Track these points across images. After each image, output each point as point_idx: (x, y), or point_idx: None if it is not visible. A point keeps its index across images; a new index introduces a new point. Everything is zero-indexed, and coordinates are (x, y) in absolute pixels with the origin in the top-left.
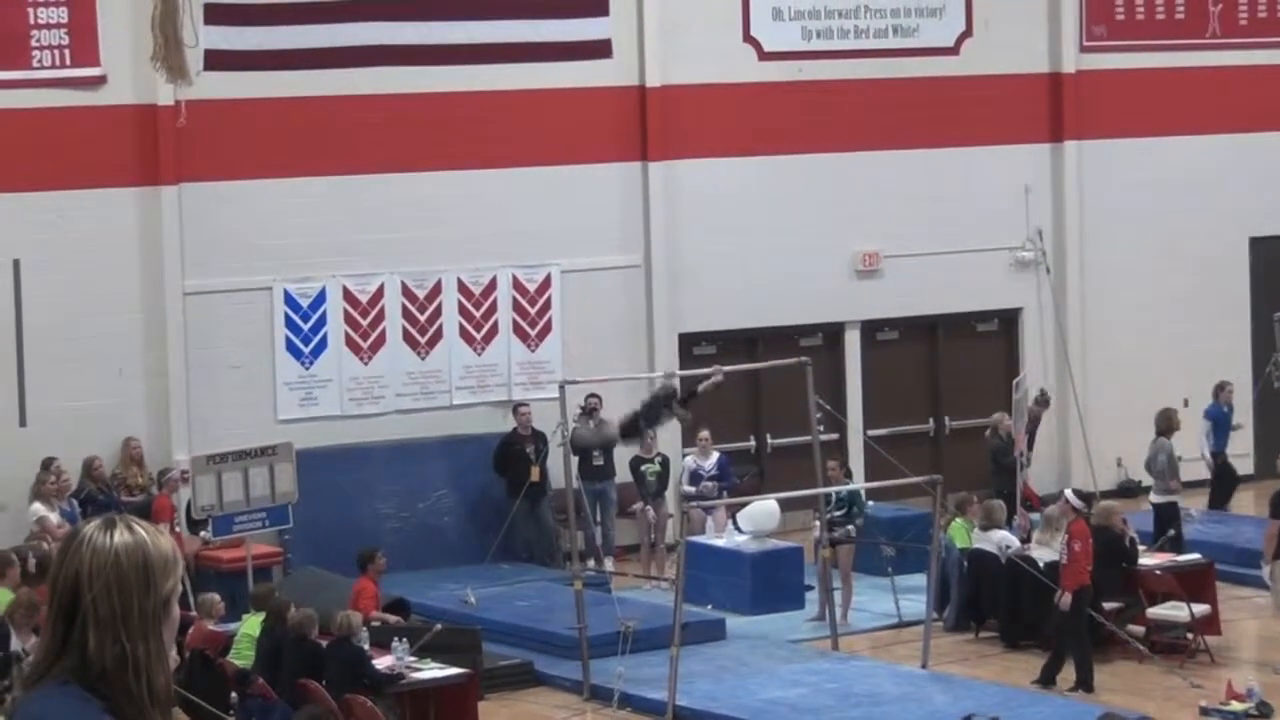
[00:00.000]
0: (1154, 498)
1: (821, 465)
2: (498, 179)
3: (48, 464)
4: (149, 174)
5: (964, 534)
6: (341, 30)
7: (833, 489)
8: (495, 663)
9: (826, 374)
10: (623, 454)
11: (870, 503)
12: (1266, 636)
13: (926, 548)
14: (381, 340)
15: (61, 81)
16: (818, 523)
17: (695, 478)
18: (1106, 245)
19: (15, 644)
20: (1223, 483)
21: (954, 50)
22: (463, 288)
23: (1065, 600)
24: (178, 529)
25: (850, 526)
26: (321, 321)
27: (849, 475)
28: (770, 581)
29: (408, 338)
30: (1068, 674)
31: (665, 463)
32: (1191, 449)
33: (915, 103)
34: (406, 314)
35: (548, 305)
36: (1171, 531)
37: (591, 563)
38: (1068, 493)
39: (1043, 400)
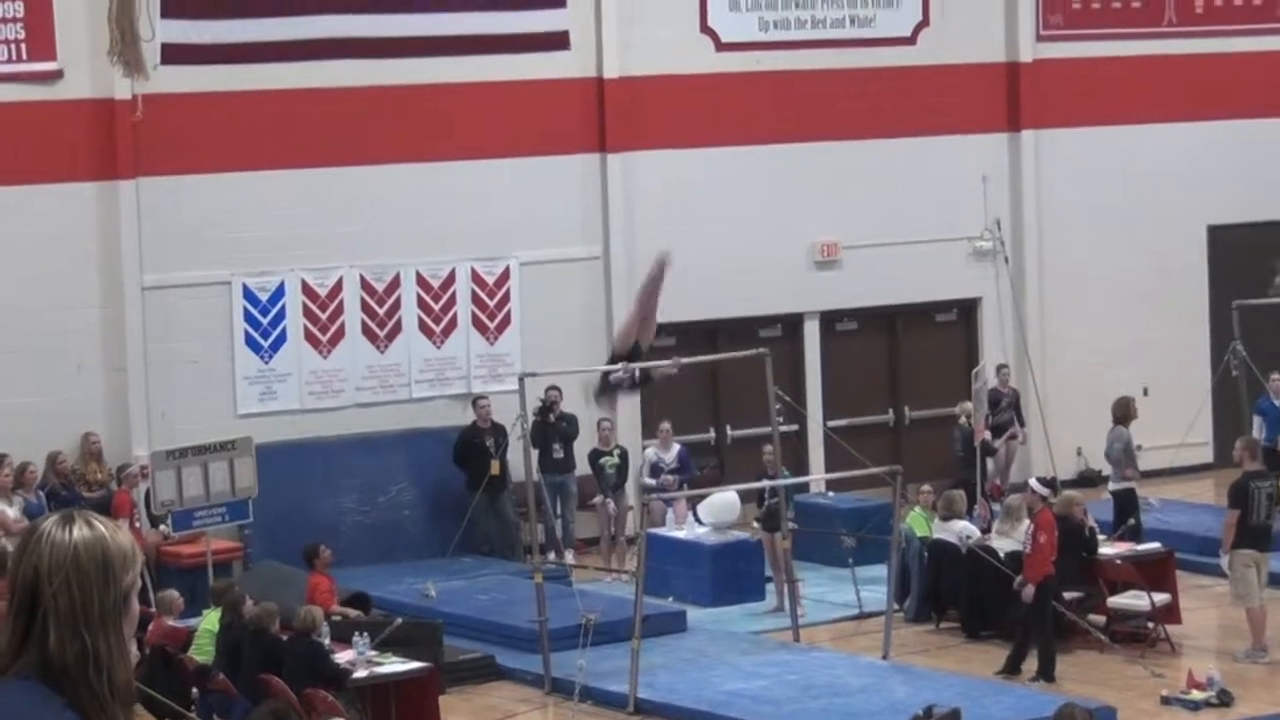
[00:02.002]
0: (1112, 485)
1: (780, 457)
2: (456, 171)
3: None
4: (106, 168)
5: (924, 524)
6: (298, 23)
7: (786, 480)
8: (456, 656)
9: (786, 365)
10: (582, 447)
11: (830, 494)
12: (1226, 625)
13: (887, 538)
14: (340, 334)
15: (18, 76)
16: (756, 521)
17: (656, 470)
18: (1064, 234)
19: None
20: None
21: (911, 40)
22: (421, 281)
23: (1028, 592)
24: (137, 524)
25: (791, 515)
26: (280, 315)
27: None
28: (731, 573)
29: (367, 331)
30: (1029, 664)
31: (624, 455)
32: (1150, 438)
33: (873, 93)
34: (365, 307)
35: (507, 298)
36: (1131, 521)
37: (552, 556)
38: (1033, 482)
39: (1001, 376)
